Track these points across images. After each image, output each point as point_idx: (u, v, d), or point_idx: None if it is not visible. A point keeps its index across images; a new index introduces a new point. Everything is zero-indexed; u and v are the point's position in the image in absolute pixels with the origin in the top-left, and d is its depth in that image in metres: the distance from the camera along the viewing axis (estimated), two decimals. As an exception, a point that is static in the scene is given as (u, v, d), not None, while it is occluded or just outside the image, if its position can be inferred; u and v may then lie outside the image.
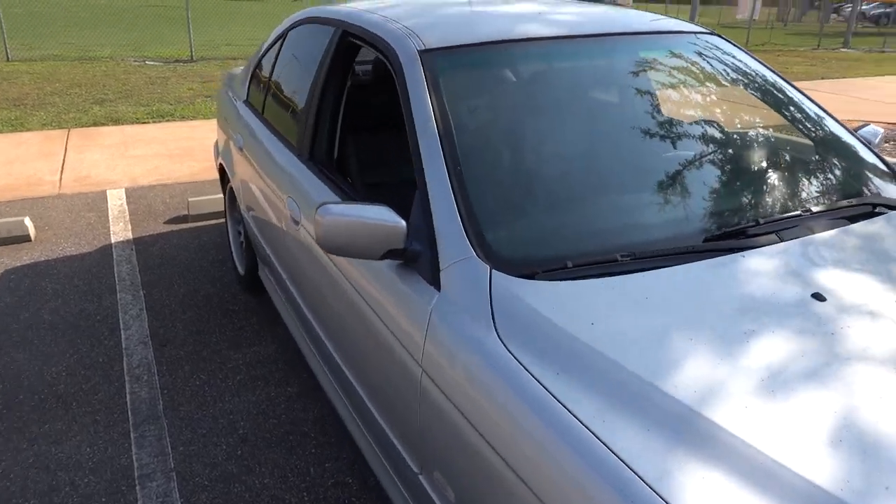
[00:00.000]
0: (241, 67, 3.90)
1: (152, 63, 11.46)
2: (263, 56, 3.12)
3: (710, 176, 1.73)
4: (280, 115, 2.68)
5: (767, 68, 2.26)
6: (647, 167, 1.70)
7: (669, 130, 1.82)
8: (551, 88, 1.83)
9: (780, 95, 2.13)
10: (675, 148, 1.77)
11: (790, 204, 1.70)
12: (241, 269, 3.51)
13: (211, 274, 3.69)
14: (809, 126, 2.05)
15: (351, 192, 1.99)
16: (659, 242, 1.51)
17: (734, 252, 1.48)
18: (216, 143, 3.96)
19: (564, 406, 1.12)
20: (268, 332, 3.12)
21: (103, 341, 3.03)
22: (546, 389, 1.16)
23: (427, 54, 1.86)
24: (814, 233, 1.58)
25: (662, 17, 2.38)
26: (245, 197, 3.05)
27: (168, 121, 7.13)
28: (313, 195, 2.10)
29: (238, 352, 2.96)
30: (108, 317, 3.23)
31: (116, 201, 4.76)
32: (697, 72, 2.09)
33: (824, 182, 1.83)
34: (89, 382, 2.73)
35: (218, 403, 2.61)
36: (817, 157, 1.93)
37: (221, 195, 4.58)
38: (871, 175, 1.93)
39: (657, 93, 1.93)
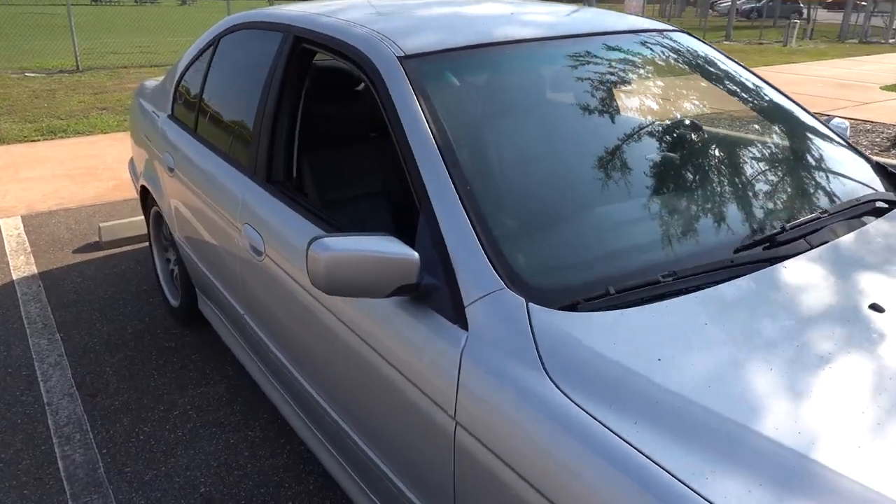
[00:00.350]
0: (156, 79, 3.55)
1: (33, 75, 10.49)
2: (190, 66, 2.81)
3: (725, 183, 1.64)
4: (222, 132, 2.40)
5: (739, 65, 2.22)
6: (667, 176, 1.59)
7: (678, 136, 1.72)
8: (546, 93, 1.69)
9: (761, 94, 2.09)
10: (686, 154, 1.67)
11: (805, 206, 1.64)
12: (173, 301, 3.17)
13: (137, 308, 3.32)
14: (796, 125, 2.02)
15: (325, 215, 1.77)
16: (692, 258, 1.40)
17: (773, 262, 1.40)
18: (131, 161, 3.58)
19: (657, 463, 0.98)
20: (215, 369, 2.82)
21: (20, 398, 2.63)
22: (628, 443, 1.01)
23: (408, 61, 1.67)
24: (837, 235, 1.53)
25: (629, 15, 2.30)
26: (179, 223, 2.74)
27: (61, 138, 6.49)
28: (283, 224, 1.86)
29: (184, 395, 2.64)
30: (21, 367, 2.82)
31: (13, 231, 4.23)
32: (684, 72, 2.01)
33: (825, 181, 1.79)
34: (9, 450, 2.35)
35: (170, 459, 2.30)
36: (811, 156, 1.90)
37: (135, 218, 4.17)
38: (859, 170, 1.92)
39: (654, 95, 1.84)
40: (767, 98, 2.08)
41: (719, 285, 1.31)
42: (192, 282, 2.89)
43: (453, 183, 1.43)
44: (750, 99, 2.04)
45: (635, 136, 1.67)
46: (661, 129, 1.73)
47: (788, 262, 1.40)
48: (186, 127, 2.69)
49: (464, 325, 1.29)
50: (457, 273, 1.33)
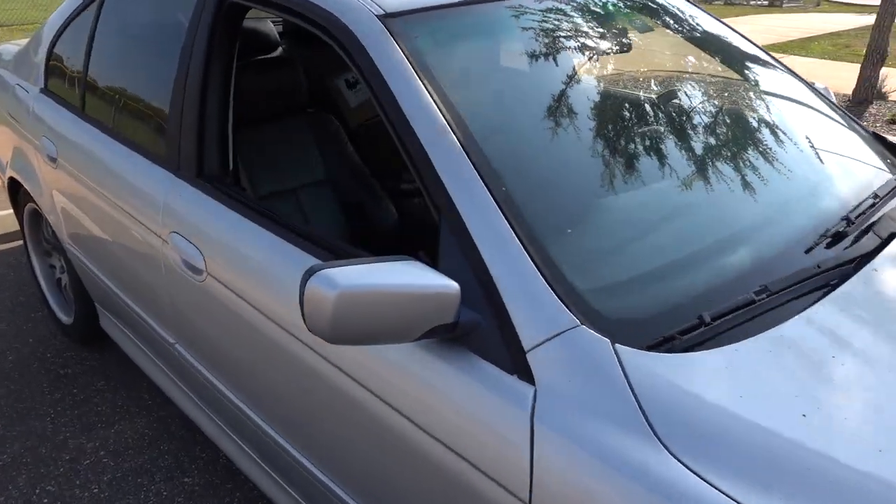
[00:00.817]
0: (14, 42, 2.90)
1: None
2: (67, 26, 2.25)
3: (775, 171, 1.41)
4: (123, 113, 1.91)
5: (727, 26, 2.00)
6: (723, 165, 1.33)
7: (722, 119, 1.47)
8: (583, 58, 1.38)
9: (764, 63, 1.88)
10: (733, 138, 1.43)
11: (849, 190, 1.45)
12: (64, 318, 2.62)
13: (16, 327, 2.73)
14: (806, 99, 1.82)
15: (292, 224, 1.39)
16: (769, 265, 1.16)
17: (856, 263, 1.19)
18: (-10, 145, 2.93)
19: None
20: (129, 399, 2.34)
21: None
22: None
23: (393, 21, 1.30)
24: (896, 222, 1.35)
25: None
26: (69, 225, 2.21)
27: None
28: (236, 236, 1.45)
29: (93, 437, 2.16)
30: None
31: None
32: (686, 32, 1.76)
33: (850, 159, 1.62)
34: None
35: (87, 525, 1.86)
36: (829, 132, 1.71)
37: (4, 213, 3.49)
38: (867, 143, 1.76)
39: (683, 64, 1.57)
40: (774, 68, 1.87)
41: (823, 301, 1.08)
42: (88, 294, 2.38)
43: (484, 183, 1.10)
44: (756, 70, 1.82)
45: (692, 113, 1.40)
46: (708, 109, 1.47)
47: (877, 263, 1.20)
48: (69, 105, 2.15)
49: (526, 376, 0.98)
50: (507, 306, 1.01)
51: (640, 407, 0.90)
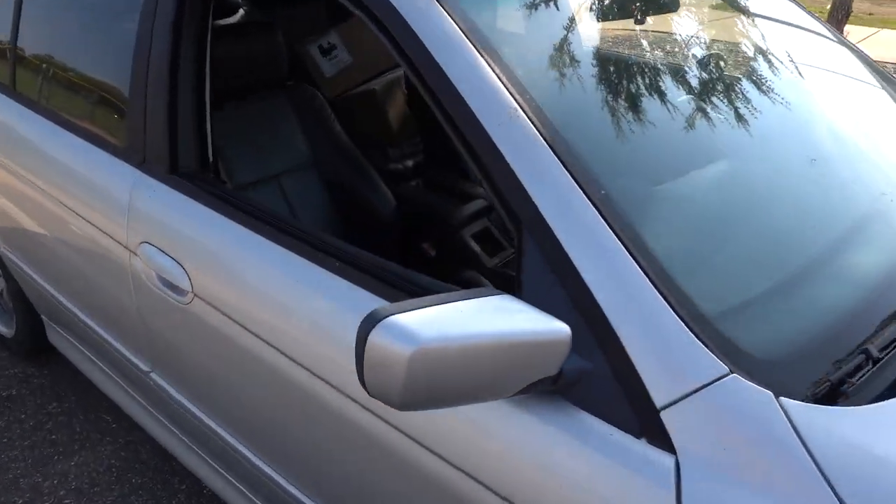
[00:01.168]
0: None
1: None
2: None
3: (877, 158, 1.21)
4: (69, 94, 1.57)
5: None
6: (826, 148, 1.12)
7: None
8: (669, 18, 1.14)
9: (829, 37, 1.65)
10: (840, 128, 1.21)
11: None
12: (3, 329, 2.26)
13: (-56, 340, 2.35)
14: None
15: (297, 229, 1.12)
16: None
17: None
18: None
19: None
20: (88, 423, 2.02)
21: None
22: None
23: (432, -24, 1.02)
24: None
25: None
26: (2, 226, 1.86)
27: None
28: (232, 248, 1.16)
29: (50, 474, 1.85)
30: None
31: None
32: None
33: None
34: None
35: (53, 586, 1.57)
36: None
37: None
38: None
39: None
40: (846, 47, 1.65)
41: None
42: (29, 304, 2.04)
43: (577, 184, 0.85)
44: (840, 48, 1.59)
45: (810, 97, 1.18)
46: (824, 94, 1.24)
47: None
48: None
49: (661, 441, 0.75)
50: (629, 350, 0.78)
51: (829, 482, 0.69)
